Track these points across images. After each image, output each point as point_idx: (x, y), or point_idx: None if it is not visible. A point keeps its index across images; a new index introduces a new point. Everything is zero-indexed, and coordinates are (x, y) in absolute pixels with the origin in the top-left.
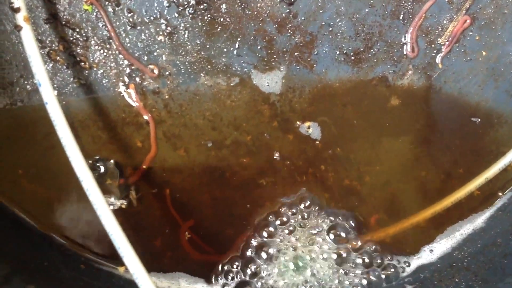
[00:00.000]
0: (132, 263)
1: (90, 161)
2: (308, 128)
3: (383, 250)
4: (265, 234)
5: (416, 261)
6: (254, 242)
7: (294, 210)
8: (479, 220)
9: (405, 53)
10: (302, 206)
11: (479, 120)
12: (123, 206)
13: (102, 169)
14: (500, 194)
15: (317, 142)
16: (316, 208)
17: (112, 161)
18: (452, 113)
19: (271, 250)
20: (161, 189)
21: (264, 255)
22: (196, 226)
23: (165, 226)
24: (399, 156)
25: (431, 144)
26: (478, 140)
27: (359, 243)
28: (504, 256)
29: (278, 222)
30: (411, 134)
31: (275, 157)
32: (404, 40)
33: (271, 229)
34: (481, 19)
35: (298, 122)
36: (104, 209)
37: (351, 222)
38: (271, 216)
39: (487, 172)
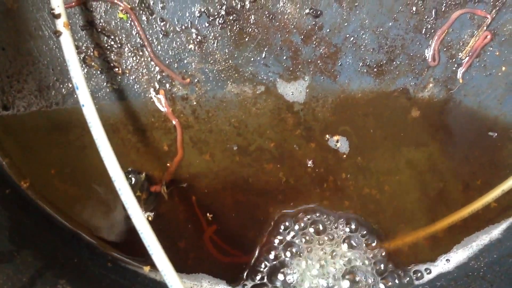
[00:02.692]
0: (160, 260)
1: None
2: (337, 141)
3: (400, 258)
4: (284, 238)
5: (433, 270)
6: (274, 246)
7: (313, 216)
8: (496, 231)
9: (427, 59)
10: (321, 212)
11: (496, 134)
12: (150, 219)
13: (133, 180)
14: None
15: (344, 156)
16: (336, 215)
17: (143, 174)
18: (471, 126)
19: (289, 254)
20: (186, 192)
21: (282, 258)
22: (219, 228)
23: (190, 228)
24: (418, 167)
25: (450, 156)
26: (496, 153)
27: (376, 251)
28: None
29: (297, 227)
30: (430, 145)
31: (297, 164)
32: (426, 53)
33: (291, 233)
34: (501, 35)
35: (327, 136)
36: (135, 208)
37: (369, 229)
38: (291, 221)
39: (504, 184)
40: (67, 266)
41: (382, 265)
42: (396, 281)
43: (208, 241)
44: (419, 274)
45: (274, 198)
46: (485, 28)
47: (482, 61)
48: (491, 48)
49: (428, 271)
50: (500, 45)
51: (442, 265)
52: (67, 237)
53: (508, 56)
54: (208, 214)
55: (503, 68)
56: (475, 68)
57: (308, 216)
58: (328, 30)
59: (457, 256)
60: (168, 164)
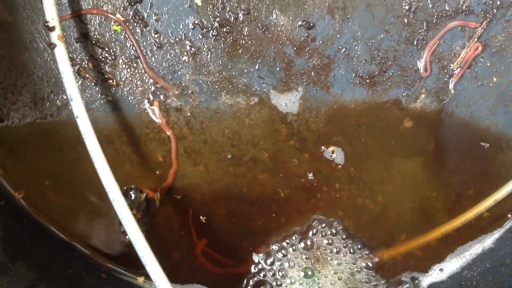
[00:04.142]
0: (154, 271)
1: (125, 188)
2: (332, 152)
3: (393, 268)
4: (278, 247)
5: (426, 280)
6: (268, 256)
7: (307, 226)
8: (488, 240)
9: (419, 71)
10: (315, 222)
11: (488, 144)
12: None
13: (133, 197)
14: (509, 215)
15: (339, 166)
16: (329, 225)
17: (144, 194)
18: (463, 136)
19: (284, 264)
20: (180, 203)
21: (277, 268)
22: (213, 239)
23: (184, 238)
24: (411, 177)
25: (442, 166)
26: (488, 163)
27: (370, 261)
28: None
29: (291, 237)
30: (423, 156)
31: (291, 174)
32: (418, 64)
33: (286, 243)
34: (492, 46)
35: (322, 147)
36: (129, 219)
37: (363, 239)
38: (285, 231)
39: (497, 194)
40: (61, 277)
41: (375, 275)
42: None
43: (201, 255)
44: (413, 284)
45: (268, 208)
46: (476, 39)
47: (474, 72)
48: (482, 59)
49: (421, 281)
50: (491, 56)
51: (436, 274)
52: (62, 248)
53: (499, 67)
54: (201, 217)
55: (494, 79)
56: (467, 79)
57: (300, 225)
58: (321, 41)
59: (450, 265)
60: (157, 172)
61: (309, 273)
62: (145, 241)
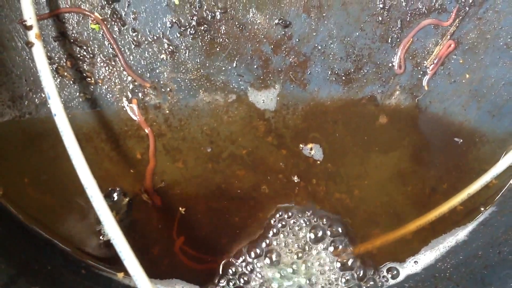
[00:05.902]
0: (132, 265)
1: (109, 189)
2: (311, 149)
3: (369, 261)
4: (256, 243)
5: (401, 272)
6: (245, 252)
7: (284, 222)
8: (462, 233)
9: (393, 68)
10: (292, 218)
11: (461, 140)
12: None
13: (115, 198)
14: (482, 209)
15: (318, 162)
16: (306, 220)
17: (127, 198)
18: (437, 132)
19: (260, 259)
20: (161, 199)
21: (254, 263)
22: (192, 235)
23: (163, 234)
24: (387, 171)
25: (417, 161)
26: (461, 158)
27: (346, 254)
28: (485, 267)
29: (269, 233)
30: (398, 151)
31: (269, 170)
32: (393, 61)
33: (263, 239)
34: (465, 43)
35: (301, 145)
36: (107, 214)
37: (340, 233)
38: (263, 227)
39: (470, 188)
40: (41, 273)
41: (350, 269)
42: (365, 283)
43: (179, 253)
44: (388, 276)
45: (246, 203)
46: (449, 37)
47: (447, 69)
48: (455, 56)
49: (396, 273)
50: (463, 53)
51: (410, 266)
52: (41, 244)
53: (472, 64)
54: (180, 209)
55: (467, 76)
56: (440, 75)
57: (277, 222)
58: (297, 40)
59: (425, 258)
60: (133, 170)
61: (285, 268)
62: (123, 236)
